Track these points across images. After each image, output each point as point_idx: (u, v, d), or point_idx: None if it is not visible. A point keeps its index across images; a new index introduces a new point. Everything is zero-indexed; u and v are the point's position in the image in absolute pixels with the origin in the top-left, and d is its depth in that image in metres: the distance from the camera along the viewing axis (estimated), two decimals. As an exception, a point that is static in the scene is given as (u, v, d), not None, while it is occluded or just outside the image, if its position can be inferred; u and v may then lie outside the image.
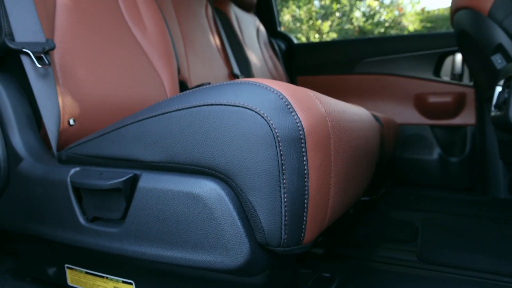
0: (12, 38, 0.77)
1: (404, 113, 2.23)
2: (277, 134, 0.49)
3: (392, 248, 1.17)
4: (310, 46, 2.58)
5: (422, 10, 7.18)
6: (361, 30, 6.63)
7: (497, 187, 1.92)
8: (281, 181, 0.49)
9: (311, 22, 6.98)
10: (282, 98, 0.51)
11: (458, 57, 2.11)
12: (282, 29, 6.74)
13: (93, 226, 0.62)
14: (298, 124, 0.50)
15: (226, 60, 1.77)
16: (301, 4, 6.76)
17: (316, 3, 7.19)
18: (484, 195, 1.94)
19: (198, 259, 0.53)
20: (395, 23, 6.33)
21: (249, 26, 2.16)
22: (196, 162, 0.53)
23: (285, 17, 6.53)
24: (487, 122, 1.97)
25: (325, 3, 7.12)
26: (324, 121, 0.54)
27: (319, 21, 6.96)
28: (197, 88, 0.57)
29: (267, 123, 0.49)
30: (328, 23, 6.89)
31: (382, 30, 6.27)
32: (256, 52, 2.10)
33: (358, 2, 6.66)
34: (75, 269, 0.76)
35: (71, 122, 0.87)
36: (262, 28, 2.31)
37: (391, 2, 6.84)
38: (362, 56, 2.34)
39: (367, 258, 1.11)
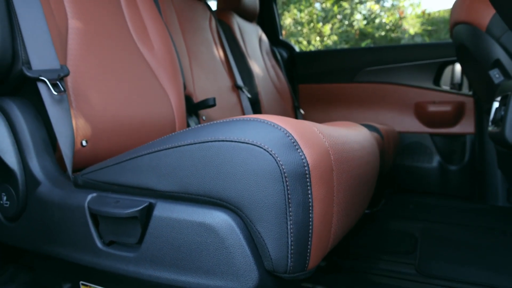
0: (29, 67, 0.80)
1: (404, 121, 2.27)
2: (284, 170, 0.53)
3: (392, 261, 1.21)
4: (311, 55, 2.62)
5: (423, 12, 7.20)
6: (362, 32, 6.66)
7: (496, 195, 1.96)
8: (288, 213, 0.53)
9: (312, 24, 7.02)
10: (288, 136, 0.55)
11: (458, 67, 2.15)
12: (283, 32, 6.78)
13: (110, 250, 0.66)
14: (303, 160, 0.54)
15: (230, 71, 1.81)
16: (302, 7, 6.80)
17: (317, 5, 7.23)
18: (483, 203, 1.98)
19: (210, 284, 0.57)
20: (396, 26, 6.36)
21: (251, 36, 2.19)
22: (208, 193, 0.57)
23: (286, 20, 6.57)
24: (486, 131, 2.00)
25: (326, 6, 7.16)
26: (327, 155, 0.58)
27: (320, 24, 7.00)
28: (208, 124, 0.60)
29: (275, 160, 0.53)
30: (329, 26, 6.93)
31: (383, 33, 6.30)
32: (259, 62, 2.14)
33: (359, 5, 6.70)
34: (90, 286, 0.80)
35: (84, 143, 0.91)
36: (264, 37, 2.35)
37: (392, 5, 6.87)
38: (363, 65, 2.38)
39: (367, 271, 1.15)
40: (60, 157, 0.87)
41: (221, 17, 2.02)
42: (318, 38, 6.95)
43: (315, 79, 2.52)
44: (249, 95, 1.79)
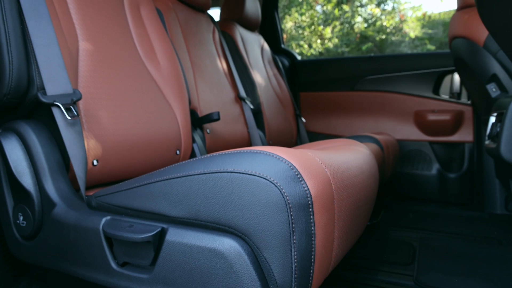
0: (44, 92, 0.84)
1: (404, 129, 2.31)
2: (289, 201, 0.57)
3: (390, 272, 1.25)
4: (312, 63, 2.65)
5: (424, 15, 7.24)
6: (362, 35, 6.70)
7: (494, 203, 2.00)
8: (292, 241, 0.57)
9: (313, 27, 7.05)
10: (292, 169, 0.59)
11: (457, 76, 2.19)
12: (284, 36, 6.81)
13: (124, 271, 0.70)
14: (307, 192, 0.58)
15: (233, 83, 1.85)
16: (303, 10, 6.83)
17: (318, 8, 7.26)
18: (481, 211, 2.01)
19: (219, 306, 0.61)
20: (397, 29, 6.39)
21: (254, 46, 2.23)
22: (218, 221, 0.61)
23: (288, 24, 6.61)
24: (484, 140, 2.04)
25: (327, 8, 7.19)
26: (329, 185, 0.62)
27: (321, 27, 7.03)
28: (218, 154, 0.64)
29: (280, 191, 0.57)
30: (329, 28, 6.96)
31: (384, 36, 6.34)
32: (261, 72, 2.18)
33: (359, 8, 6.73)
34: (103, 302, 0.84)
35: (95, 162, 0.95)
36: (266, 46, 2.38)
37: (393, 8, 6.90)
38: (363, 74, 2.42)
39: (366, 283, 1.18)
40: (73, 176, 0.90)
41: (224, 28, 2.06)
42: (319, 41, 6.98)
43: (316, 87, 2.56)
44: (251, 106, 1.82)
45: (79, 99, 0.88)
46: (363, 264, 1.33)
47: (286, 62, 2.61)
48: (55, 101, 0.83)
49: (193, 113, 1.47)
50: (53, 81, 0.86)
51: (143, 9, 1.34)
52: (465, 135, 2.17)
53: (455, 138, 2.19)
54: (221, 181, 0.60)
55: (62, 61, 0.90)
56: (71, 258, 0.77)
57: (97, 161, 0.95)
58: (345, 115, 2.46)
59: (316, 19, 7.11)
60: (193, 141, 1.36)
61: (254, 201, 0.58)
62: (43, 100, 0.82)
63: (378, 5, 6.81)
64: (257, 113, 1.94)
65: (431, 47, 6.42)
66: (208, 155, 0.65)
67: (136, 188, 0.71)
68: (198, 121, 1.46)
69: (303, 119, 2.40)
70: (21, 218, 0.84)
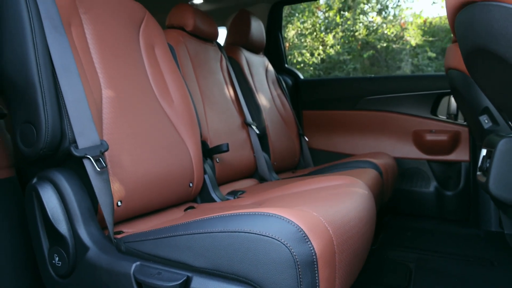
0: (76, 146, 0.94)
1: (403, 148, 2.41)
2: (297, 259, 0.67)
3: (388, 296, 1.35)
4: (315, 82, 2.75)
5: (425, 21, 7.31)
6: (364, 42, 6.79)
7: (489, 221, 2.09)
8: (300, 293, 0.67)
9: (315, 34, 7.15)
10: (300, 231, 0.68)
11: (454, 99, 2.28)
12: (287, 45, 6.89)
13: (152, 312, 0.80)
14: (312, 251, 0.68)
15: (240, 109, 1.95)
16: (305, 18, 6.93)
17: (320, 14, 7.36)
18: (476, 228, 2.11)
19: None
20: (398, 37, 6.48)
21: (259, 68, 2.33)
22: (236, 273, 0.71)
23: (290, 33, 6.71)
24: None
25: (329, 15, 7.28)
26: (331, 243, 0.71)
27: (323, 34, 7.12)
28: (236, 214, 0.74)
29: (289, 251, 0.67)
30: (331, 35, 7.05)
31: (385, 44, 6.43)
32: (266, 94, 2.28)
33: (361, 16, 6.82)
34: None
35: (119, 203, 1.05)
36: (270, 67, 2.48)
37: (394, 15, 6.99)
38: (364, 94, 2.51)
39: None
40: (100, 217, 1.00)
41: (230, 53, 2.16)
42: (321, 47, 7.07)
43: (319, 106, 2.65)
44: (257, 131, 1.92)
45: (106, 150, 0.98)
46: (360, 287, 1.42)
47: (290, 81, 2.71)
48: (86, 154, 0.93)
49: (203, 144, 1.56)
50: (84, 135, 0.96)
51: (157, 49, 1.44)
52: (461, 154, 2.26)
53: (452, 157, 2.29)
54: (239, 239, 0.70)
55: (90, 114, 1.00)
56: (102, 297, 0.87)
57: (121, 202, 1.05)
58: (347, 133, 2.56)
59: (318, 25, 7.20)
60: (204, 172, 1.46)
61: (267, 259, 0.68)
62: (76, 154, 0.92)
63: (379, 12, 6.90)
64: (263, 136, 2.04)
65: (431, 54, 6.50)
66: (228, 214, 0.75)
67: (162, 238, 0.81)
68: (208, 152, 1.56)
69: (306, 138, 2.50)
70: (57, 258, 0.94)
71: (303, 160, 2.45)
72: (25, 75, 0.94)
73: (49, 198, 0.93)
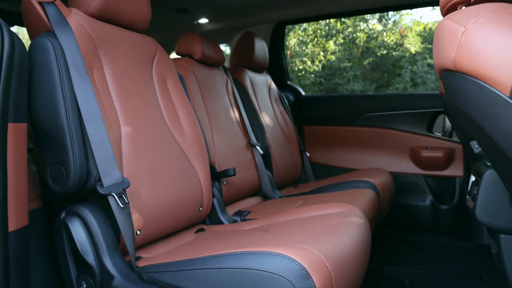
0: (101, 184, 1.05)
1: (400, 163, 2.51)
2: (300, 295, 0.77)
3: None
4: (316, 99, 2.86)
5: (424, 27, 7.41)
6: (364, 50, 6.89)
7: (481, 234, 2.20)
8: (302, 324, 0.78)
9: (316, 40, 7.25)
10: (302, 269, 0.79)
11: (448, 117, 2.39)
12: (288, 53, 6.99)
13: (172, 336, 0.91)
14: (313, 286, 0.78)
15: (244, 130, 2.06)
16: (306, 24, 7.03)
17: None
18: (470, 241, 2.21)
19: None
20: (397, 44, 6.59)
21: (262, 87, 2.44)
22: (246, 305, 0.82)
23: (291, 41, 6.83)
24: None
25: (329, 21, 7.39)
26: (329, 278, 0.82)
27: (324, 40, 7.23)
28: (248, 252, 0.85)
29: (293, 287, 0.78)
30: (332, 41, 7.16)
31: (385, 52, 6.54)
32: (269, 112, 2.39)
33: (361, 23, 6.93)
34: None
35: (138, 233, 1.16)
36: (273, 85, 2.59)
37: (394, 22, 7.09)
38: (363, 111, 2.62)
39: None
40: (122, 246, 1.11)
41: (234, 75, 2.26)
42: (322, 53, 7.18)
43: (320, 121, 2.76)
44: (261, 152, 2.03)
45: (128, 186, 1.09)
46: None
47: (292, 97, 2.82)
48: (111, 192, 1.04)
49: (211, 168, 1.67)
50: (108, 174, 1.07)
51: (169, 81, 1.54)
52: (456, 170, 2.37)
53: (447, 172, 2.39)
54: (250, 275, 0.81)
55: (113, 154, 1.11)
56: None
57: (140, 231, 1.16)
58: (346, 149, 2.67)
59: (319, 31, 7.31)
60: (213, 195, 1.56)
61: (274, 294, 0.79)
62: (102, 192, 1.03)
63: (379, 20, 7.01)
64: (266, 155, 2.14)
65: (431, 61, 6.60)
66: (241, 252, 0.86)
67: (181, 271, 0.92)
68: (216, 175, 1.67)
69: (308, 154, 2.60)
70: (85, 286, 1.05)
71: (304, 175, 2.55)
72: (55, 121, 1.05)
73: (78, 232, 1.04)
